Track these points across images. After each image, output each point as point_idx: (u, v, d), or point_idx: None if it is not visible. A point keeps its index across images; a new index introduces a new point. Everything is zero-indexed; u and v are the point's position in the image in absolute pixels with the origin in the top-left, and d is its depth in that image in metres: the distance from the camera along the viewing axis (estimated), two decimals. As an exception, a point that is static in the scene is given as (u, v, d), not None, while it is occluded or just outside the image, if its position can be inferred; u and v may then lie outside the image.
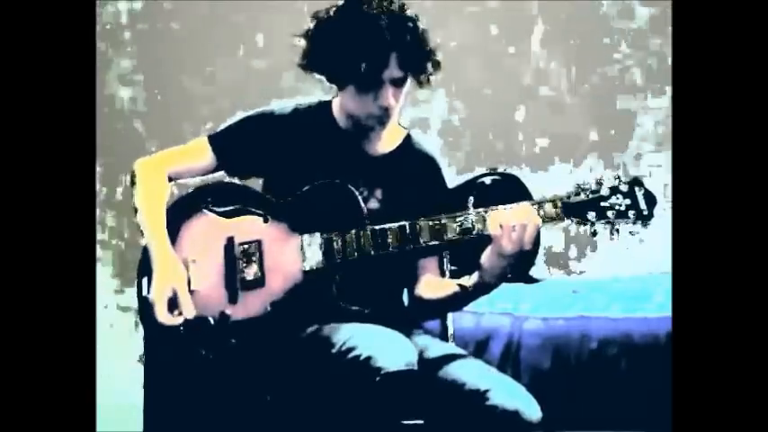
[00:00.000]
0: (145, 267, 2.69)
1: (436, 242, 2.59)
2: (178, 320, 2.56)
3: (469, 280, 2.62)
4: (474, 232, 2.57)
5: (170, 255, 2.62)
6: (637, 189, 2.56)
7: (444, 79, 2.82)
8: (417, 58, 2.66)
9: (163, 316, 2.56)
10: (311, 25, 2.69)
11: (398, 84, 2.65)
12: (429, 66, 2.68)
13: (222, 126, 2.80)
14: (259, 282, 2.63)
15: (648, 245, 3.68)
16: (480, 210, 2.59)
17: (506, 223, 2.52)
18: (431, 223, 2.59)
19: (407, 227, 2.59)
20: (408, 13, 2.66)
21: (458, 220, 2.59)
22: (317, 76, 2.71)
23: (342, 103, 2.73)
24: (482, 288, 2.61)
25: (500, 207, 2.57)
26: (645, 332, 3.41)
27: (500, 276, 2.58)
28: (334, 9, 2.67)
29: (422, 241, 2.59)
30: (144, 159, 2.79)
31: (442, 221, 2.59)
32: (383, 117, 2.69)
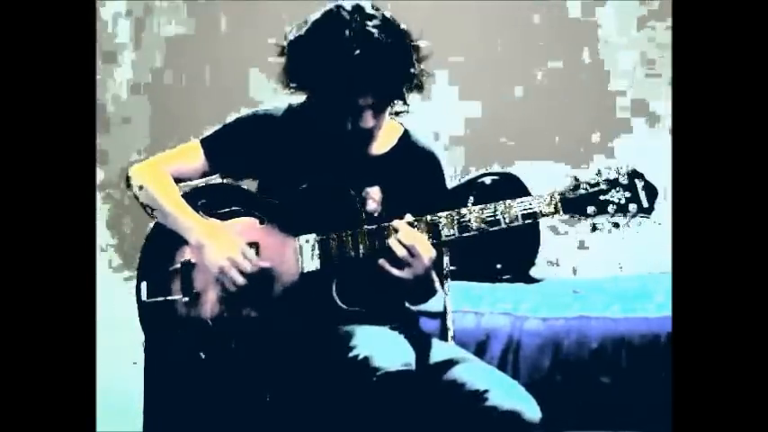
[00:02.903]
0: (143, 271, 2.70)
1: (434, 241, 2.59)
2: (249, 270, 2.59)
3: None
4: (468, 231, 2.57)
5: (215, 222, 2.65)
6: (637, 181, 2.55)
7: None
8: (395, 87, 2.60)
9: (240, 281, 2.59)
10: (286, 42, 2.63)
11: (378, 107, 2.62)
12: (409, 89, 2.63)
13: (214, 128, 2.80)
14: (257, 283, 2.62)
15: (648, 245, 3.68)
16: (477, 207, 2.58)
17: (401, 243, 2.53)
18: (428, 221, 2.58)
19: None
20: (391, 26, 2.58)
21: (455, 218, 2.58)
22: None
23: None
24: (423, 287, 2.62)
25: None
26: (645, 332, 3.41)
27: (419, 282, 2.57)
28: (307, 28, 2.60)
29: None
30: (139, 164, 2.79)
31: (440, 220, 2.58)
32: (365, 137, 2.67)
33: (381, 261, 2.55)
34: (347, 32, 2.54)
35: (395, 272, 2.54)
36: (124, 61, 4.40)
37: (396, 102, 2.65)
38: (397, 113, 2.71)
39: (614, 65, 4.35)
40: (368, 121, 2.61)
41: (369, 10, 2.58)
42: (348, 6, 2.58)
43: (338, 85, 2.55)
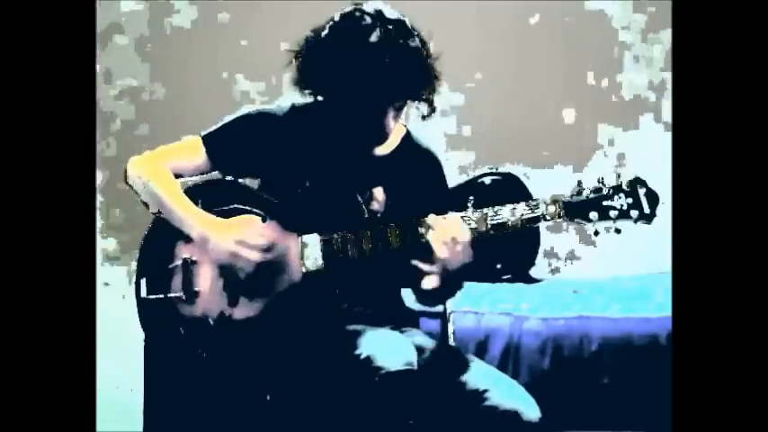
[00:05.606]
0: (142, 268, 2.69)
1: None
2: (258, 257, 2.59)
3: (431, 281, 2.61)
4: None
5: (215, 218, 2.63)
6: (639, 188, 2.55)
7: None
8: (418, 91, 2.60)
9: (255, 256, 2.58)
10: (304, 46, 2.61)
11: (399, 110, 2.62)
12: (429, 91, 2.62)
13: (217, 125, 2.78)
14: (258, 282, 2.62)
15: (648, 245, 3.69)
16: (480, 210, 2.59)
17: (439, 235, 2.53)
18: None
19: (407, 226, 2.59)
20: (409, 30, 2.57)
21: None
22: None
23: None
24: (450, 284, 2.61)
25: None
26: (645, 332, 3.41)
27: (458, 275, 2.57)
28: (326, 32, 2.58)
29: (422, 240, 2.58)
30: (138, 158, 2.76)
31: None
32: (381, 139, 2.67)
33: (415, 262, 2.55)
34: (374, 38, 2.53)
35: (426, 269, 2.54)
36: (125, 59, 4.40)
37: (419, 105, 2.65)
38: (423, 117, 2.70)
39: (616, 64, 4.35)
40: (390, 124, 2.62)
41: (389, 14, 2.57)
42: (369, 10, 2.57)
43: (366, 91, 2.54)
